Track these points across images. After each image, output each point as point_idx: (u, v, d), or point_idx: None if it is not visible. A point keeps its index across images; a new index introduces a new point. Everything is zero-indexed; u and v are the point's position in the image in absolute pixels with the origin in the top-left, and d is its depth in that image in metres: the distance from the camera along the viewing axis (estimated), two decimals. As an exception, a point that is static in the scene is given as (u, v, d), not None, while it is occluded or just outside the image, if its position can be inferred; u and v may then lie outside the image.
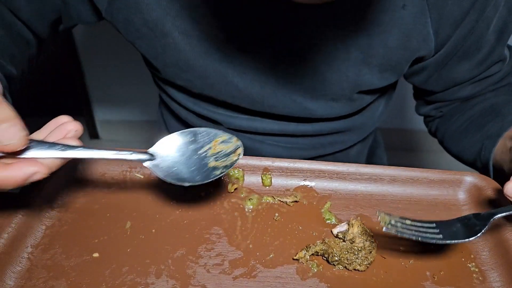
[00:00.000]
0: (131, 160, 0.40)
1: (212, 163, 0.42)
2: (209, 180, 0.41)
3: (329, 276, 0.42)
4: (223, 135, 0.43)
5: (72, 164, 0.51)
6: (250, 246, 0.45)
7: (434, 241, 0.39)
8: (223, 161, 0.42)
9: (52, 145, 0.36)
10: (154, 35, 0.54)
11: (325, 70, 0.55)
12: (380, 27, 0.51)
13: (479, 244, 0.46)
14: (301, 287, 0.41)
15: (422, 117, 0.73)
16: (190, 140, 0.42)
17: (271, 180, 0.51)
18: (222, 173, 0.41)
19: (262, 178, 0.51)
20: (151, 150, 0.41)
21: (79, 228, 0.45)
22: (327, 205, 0.49)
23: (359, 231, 0.44)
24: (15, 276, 0.40)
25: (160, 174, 0.40)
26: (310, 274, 0.42)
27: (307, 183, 0.52)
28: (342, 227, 0.46)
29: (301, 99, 0.59)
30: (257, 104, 0.60)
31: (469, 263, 0.44)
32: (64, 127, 0.38)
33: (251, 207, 0.49)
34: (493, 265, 0.43)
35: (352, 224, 0.45)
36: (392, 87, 0.68)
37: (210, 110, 0.65)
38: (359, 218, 0.46)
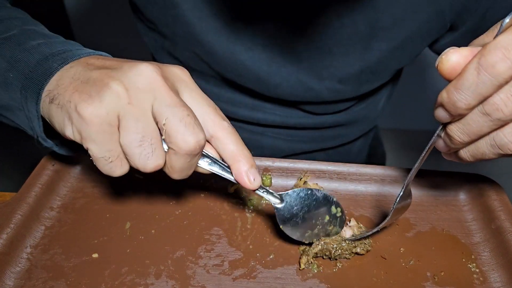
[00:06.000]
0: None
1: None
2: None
3: (329, 276, 0.42)
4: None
5: (72, 165, 0.51)
6: (250, 247, 0.45)
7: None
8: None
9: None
10: (164, 4, 0.54)
11: (332, 45, 0.55)
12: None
13: (480, 245, 0.45)
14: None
15: (422, 117, 0.73)
16: (314, 198, 0.43)
17: (271, 181, 0.51)
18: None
19: (262, 179, 0.51)
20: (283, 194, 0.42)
21: (78, 228, 0.45)
22: None
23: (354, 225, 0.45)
24: (14, 276, 0.40)
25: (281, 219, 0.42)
26: (310, 275, 0.42)
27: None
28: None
29: (306, 78, 0.58)
30: (263, 84, 0.60)
31: (470, 264, 0.44)
32: None
33: (251, 207, 0.49)
34: (493, 265, 0.43)
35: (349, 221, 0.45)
36: (397, 75, 0.67)
37: (214, 93, 0.64)
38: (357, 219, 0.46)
